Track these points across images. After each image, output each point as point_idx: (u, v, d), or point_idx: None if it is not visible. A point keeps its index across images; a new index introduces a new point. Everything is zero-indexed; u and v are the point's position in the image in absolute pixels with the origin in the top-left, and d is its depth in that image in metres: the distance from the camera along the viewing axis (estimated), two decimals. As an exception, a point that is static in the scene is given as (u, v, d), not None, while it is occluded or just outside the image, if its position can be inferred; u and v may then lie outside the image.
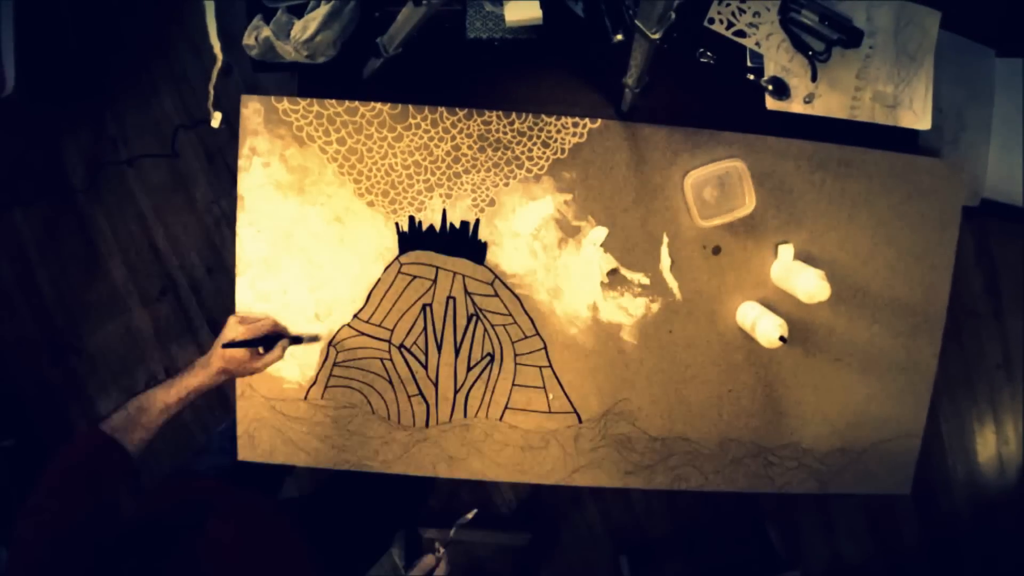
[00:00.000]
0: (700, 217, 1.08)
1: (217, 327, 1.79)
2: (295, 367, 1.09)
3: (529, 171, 1.07)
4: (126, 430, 0.92)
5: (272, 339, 1.03)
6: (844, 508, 1.98)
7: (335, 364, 1.09)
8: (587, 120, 1.07)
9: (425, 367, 1.10)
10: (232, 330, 1.00)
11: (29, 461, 1.84)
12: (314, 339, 1.06)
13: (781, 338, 1.01)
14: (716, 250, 1.11)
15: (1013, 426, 2.00)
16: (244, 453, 1.11)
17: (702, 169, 1.08)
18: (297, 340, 1.06)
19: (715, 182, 1.08)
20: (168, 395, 0.96)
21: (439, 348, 1.09)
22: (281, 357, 1.05)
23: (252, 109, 1.04)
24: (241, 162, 1.05)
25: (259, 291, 1.08)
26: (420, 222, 1.07)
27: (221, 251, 1.77)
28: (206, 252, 1.79)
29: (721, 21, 1.09)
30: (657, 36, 0.80)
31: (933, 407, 1.25)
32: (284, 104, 1.04)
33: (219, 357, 0.99)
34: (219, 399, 1.82)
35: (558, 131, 1.07)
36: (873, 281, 1.15)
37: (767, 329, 1.03)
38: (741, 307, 1.11)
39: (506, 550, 1.83)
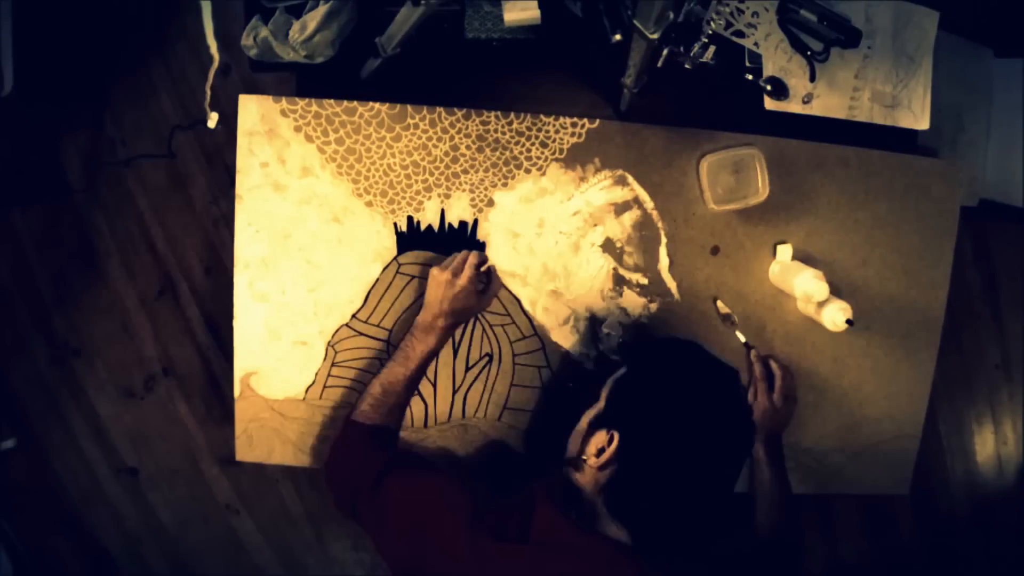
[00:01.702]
0: (713, 201, 1.08)
1: (216, 327, 1.80)
2: (294, 368, 1.09)
3: (528, 171, 1.07)
4: (380, 413, 0.98)
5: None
6: (843, 508, 1.98)
7: (333, 364, 1.09)
8: (585, 120, 1.07)
9: (423, 367, 1.10)
10: (442, 288, 0.98)
11: (29, 462, 1.84)
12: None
13: (848, 321, 1.01)
14: (715, 250, 1.12)
15: (1012, 426, 2.00)
16: (242, 453, 1.11)
17: (719, 154, 1.08)
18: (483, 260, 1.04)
19: (730, 168, 1.08)
20: (407, 368, 0.98)
21: (438, 348, 1.09)
22: (501, 285, 1.06)
23: (250, 109, 1.04)
24: (239, 162, 1.05)
25: (257, 291, 1.08)
26: (418, 222, 1.07)
27: (219, 251, 1.77)
28: (205, 252, 1.79)
29: (719, 21, 1.09)
30: (655, 36, 0.80)
31: (931, 407, 1.25)
32: (282, 104, 1.04)
33: (444, 315, 0.98)
34: (218, 399, 1.82)
35: (556, 131, 1.07)
36: (871, 281, 1.15)
37: (832, 314, 1.02)
38: (799, 278, 1.06)
39: None
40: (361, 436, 0.97)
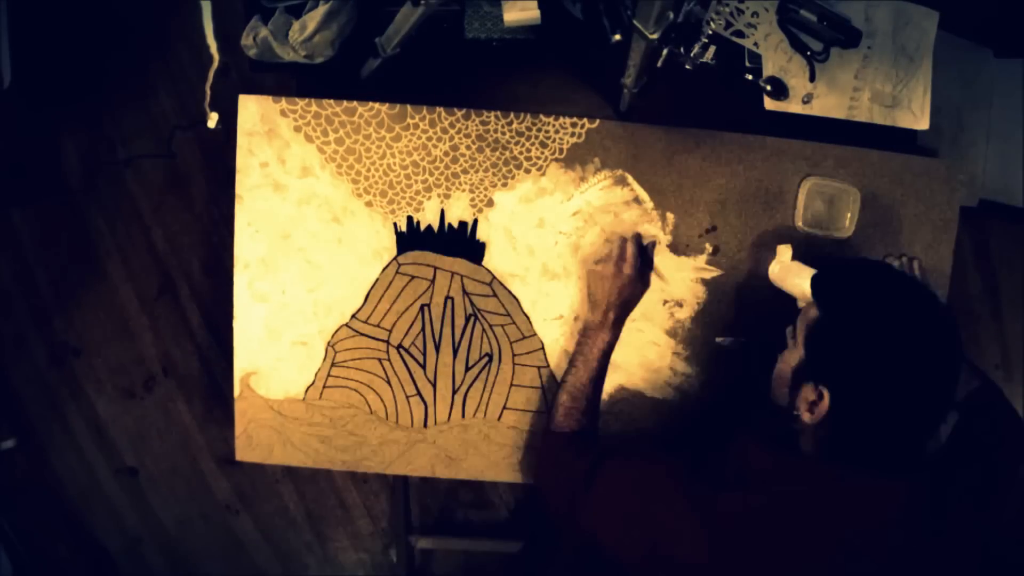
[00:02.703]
0: (802, 221, 1.10)
1: (216, 327, 1.80)
2: (294, 368, 1.09)
3: (528, 171, 1.07)
4: (574, 419, 0.98)
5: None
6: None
7: (333, 364, 1.09)
8: (585, 120, 1.07)
9: (423, 367, 1.10)
10: (609, 280, 0.99)
11: (29, 462, 1.84)
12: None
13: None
14: (715, 251, 1.11)
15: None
16: (242, 454, 1.11)
17: (822, 180, 1.10)
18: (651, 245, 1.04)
19: (827, 197, 1.10)
20: (589, 369, 0.99)
21: (437, 348, 1.09)
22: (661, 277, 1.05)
23: (250, 109, 1.05)
24: (239, 162, 1.05)
25: (257, 291, 1.08)
26: (418, 222, 1.07)
27: (219, 251, 1.77)
28: (204, 252, 1.79)
29: (719, 21, 1.08)
30: (655, 36, 0.80)
31: (931, 407, 1.25)
32: (282, 104, 1.04)
33: (614, 307, 0.99)
34: (218, 399, 1.82)
35: (556, 131, 1.07)
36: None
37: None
38: (799, 277, 1.04)
39: (498, 557, 1.83)
40: (561, 444, 0.98)
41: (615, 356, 1.10)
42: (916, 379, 0.73)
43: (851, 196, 1.10)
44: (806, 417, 0.76)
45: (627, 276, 0.98)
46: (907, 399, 0.73)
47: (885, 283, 0.80)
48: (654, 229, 1.10)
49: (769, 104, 1.11)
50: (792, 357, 0.82)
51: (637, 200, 1.09)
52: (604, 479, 0.87)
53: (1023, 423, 0.93)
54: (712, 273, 1.11)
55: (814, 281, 0.86)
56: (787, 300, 1.01)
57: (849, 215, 1.10)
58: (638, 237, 1.03)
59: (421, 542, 1.81)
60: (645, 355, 1.12)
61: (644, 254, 1.03)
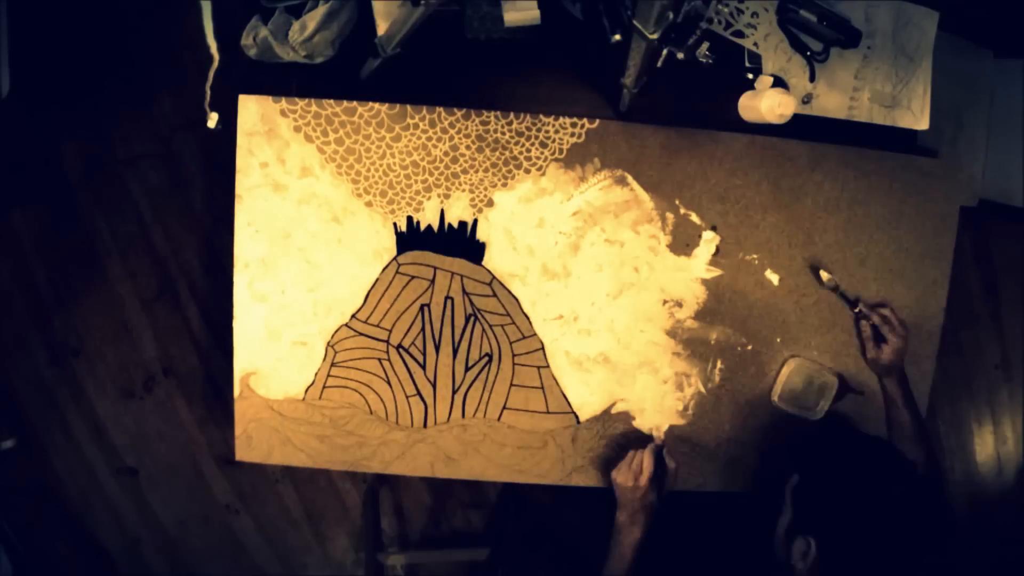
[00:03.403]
0: (777, 396, 1.15)
1: (216, 327, 1.80)
2: (293, 368, 1.09)
3: (527, 171, 1.07)
4: None
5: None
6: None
7: (333, 364, 1.09)
8: (585, 120, 1.07)
9: (423, 367, 1.10)
10: (629, 491, 1.04)
11: (29, 462, 1.84)
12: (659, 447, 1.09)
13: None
14: (716, 251, 1.11)
15: (1011, 426, 2.00)
16: (242, 453, 1.11)
17: (805, 362, 1.15)
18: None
19: (805, 378, 1.14)
20: (624, 564, 1.03)
21: (437, 348, 1.09)
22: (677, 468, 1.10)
23: (250, 109, 1.05)
24: (239, 162, 1.05)
25: (257, 291, 1.08)
26: (418, 222, 1.07)
27: (219, 252, 1.77)
28: (204, 253, 1.79)
29: (719, 21, 1.09)
30: (655, 36, 0.80)
31: (931, 407, 1.25)
32: (282, 104, 1.04)
33: (639, 511, 1.03)
34: (218, 399, 1.82)
35: (556, 131, 1.07)
36: (871, 282, 1.15)
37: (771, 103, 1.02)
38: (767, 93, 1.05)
39: (465, 566, 1.84)
40: None
41: (612, 354, 1.10)
42: (887, 527, 0.84)
43: (830, 386, 1.15)
44: (799, 566, 0.87)
45: (643, 486, 1.03)
46: (881, 544, 0.84)
47: (851, 448, 0.95)
48: (657, 237, 1.10)
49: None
50: (784, 519, 0.93)
51: (637, 200, 1.09)
52: None
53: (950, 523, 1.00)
54: (712, 273, 1.12)
55: (790, 451, 1.06)
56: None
57: (823, 402, 1.15)
58: (657, 449, 1.07)
59: (391, 559, 1.82)
60: (646, 355, 1.12)
61: (661, 464, 1.07)
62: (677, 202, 1.10)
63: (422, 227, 1.07)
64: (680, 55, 0.89)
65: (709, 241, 1.11)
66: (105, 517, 1.87)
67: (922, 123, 1.15)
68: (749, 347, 1.14)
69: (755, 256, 1.12)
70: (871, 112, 1.14)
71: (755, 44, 1.10)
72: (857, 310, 1.13)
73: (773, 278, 1.13)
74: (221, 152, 1.70)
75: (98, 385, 1.84)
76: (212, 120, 1.16)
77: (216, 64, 1.15)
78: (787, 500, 0.94)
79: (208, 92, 1.15)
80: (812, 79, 1.12)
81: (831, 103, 1.13)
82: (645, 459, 1.04)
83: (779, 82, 1.09)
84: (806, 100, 1.12)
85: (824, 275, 1.12)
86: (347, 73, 1.06)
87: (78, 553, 1.88)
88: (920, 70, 1.14)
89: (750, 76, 1.10)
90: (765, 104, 1.02)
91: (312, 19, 0.98)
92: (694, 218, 1.11)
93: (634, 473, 1.04)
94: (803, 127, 1.12)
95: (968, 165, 1.30)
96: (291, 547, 1.92)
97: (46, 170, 1.77)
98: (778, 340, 1.14)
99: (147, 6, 1.73)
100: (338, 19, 1.00)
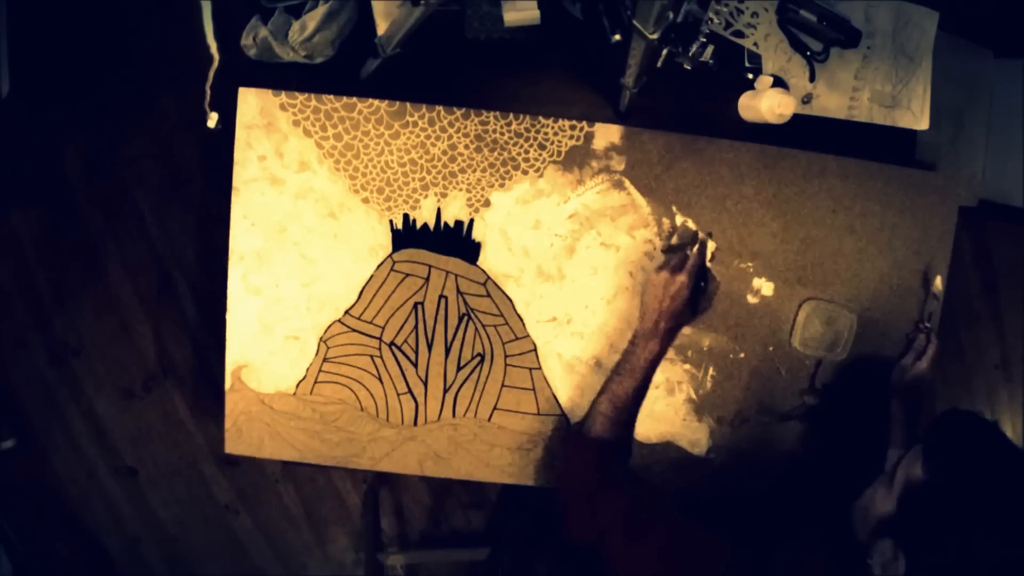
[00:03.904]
0: (799, 342, 1.12)
1: (215, 327, 1.80)
2: (285, 362, 1.09)
3: (525, 172, 1.07)
4: (611, 430, 0.97)
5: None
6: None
7: (325, 360, 1.09)
8: (584, 123, 1.07)
9: (415, 365, 1.09)
10: (660, 288, 0.98)
11: (29, 462, 1.84)
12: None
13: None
14: (712, 258, 1.10)
15: (1011, 426, 2.00)
16: (231, 446, 1.11)
17: (820, 303, 1.13)
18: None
19: (824, 318, 1.13)
20: (635, 379, 0.97)
21: (430, 347, 1.09)
22: (718, 285, 1.04)
23: (249, 102, 1.05)
24: (236, 155, 1.05)
25: (251, 284, 1.08)
26: (414, 220, 1.07)
27: (219, 251, 1.76)
28: (204, 252, 1.79)
29: (719, 21, 1.09)
30: (655, 36, 0.80)
31: (931, 408, 1.25)
32: (281, 98, 1.04)
33: (664, 316, 0.98)
34: (217, 399, 1.82)
35: (555, 133, 1.07)
36: (867, 291, 1.14)
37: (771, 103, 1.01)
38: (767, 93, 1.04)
39: (465, 566, 1.85)
40: (594, 454, 0.97)
41: (604, 358, 1.10)
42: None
43: (850, 321, 1.12)
44: (877, 572, 0.73)
45: (678, 283, 0.97)
46: None
47: (1007, 468, 0.71)
48: (659, 238, 1.10)
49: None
50: (883, 503, 0.76)
51: (634, 204, 1.09)
52: (636, 526, 0.87)
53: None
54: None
55: (927, 438, 0.76)
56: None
57: (846, 339, 1.13)
58: (702, 247, 1.02)
59: (391, 559, 1.82)
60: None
61: (706, 275, 1.02)
62: (674, 208, 1.10)
63: (418, 225, 1.07)
64: (687, 66, 0.89)
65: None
66: (105, 517, 1.88)
67: (922, 123, 1.15)
68: (742, 355, 1.13)
69: (750, 264, 1.12)
70: (871, 112, 1.14)
71: (755, 44, 1.10)
72: (926, 325, 1.12)
73: (768, 287, 1.12)
74: (221, 152, 1.72)
75: (98, 385, 1.85)
76: (212, 120, 1.16)
77: (216, 64, 1.15)
78: (894, 488, 0.75)
79: (208, 92, 1.15)
80: (812, 79, 1.11)
81: (831, 103, 1.13)
82: (694, 251, 0.98)
83: (779, 82, 1.09)
84: (806, 100, 1.12)
85: (937, 284, 1.11)
86: (347, 73, 1.06)
87: (78, 553, 1.88)
88: (920, 70, 1.14)
89: (750, 76, 1.10)
90: (765, 104, 1.02)
91: (312, 19, 0.98)
92: (690, 224, 1.10)
93: (672, 268, 0.98)
94: (803, 127, 1.11)
95: (967, 165, 1.29)
96: (291, 547, 1.92)
97: (46, 170, 1.78)
98: (770, 349, 1.13)
99: (147, 6, 1.74)
100: (338, 19, 1.00)
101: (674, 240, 1.09)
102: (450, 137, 1.06)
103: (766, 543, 0.83)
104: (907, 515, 0.72)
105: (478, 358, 1.10)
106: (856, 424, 1.14)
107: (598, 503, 0.90)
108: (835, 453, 1.14)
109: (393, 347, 1.09)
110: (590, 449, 0.98)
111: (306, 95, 1.04)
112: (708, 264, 1.05)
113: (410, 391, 1.10)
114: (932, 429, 0.76)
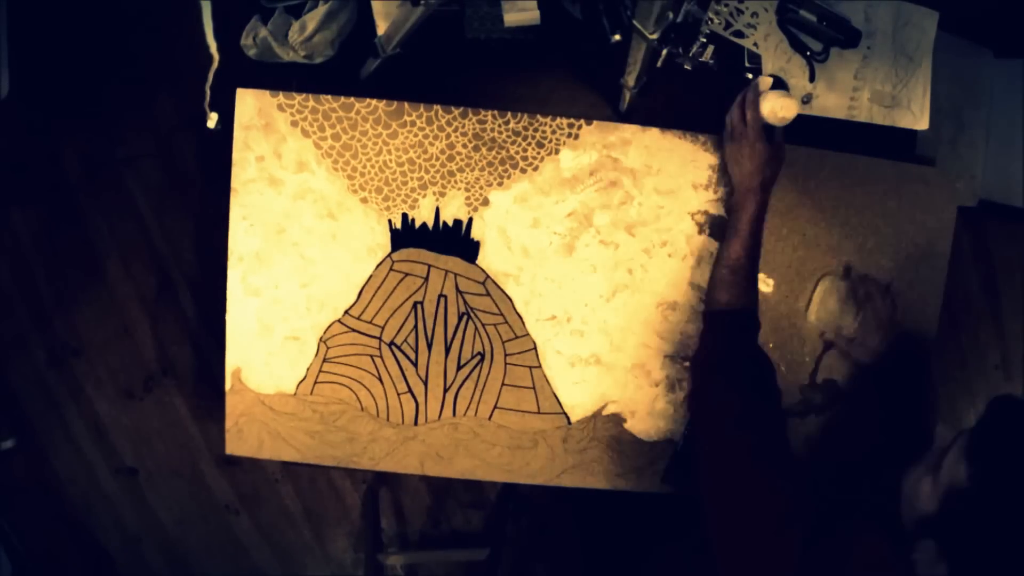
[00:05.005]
0: (815, 316, 1.12)
1: (215, 327, 1.80)
2: (285, 363, 1.09)
3: (523, 171, 1.07)
4: (735, 294, 0.96)
5: None
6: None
7: (325, 360, 1.09)
8: (582, 121, 1.07)
9: (415, 365, 1.09)
10: (732, 152, 0.98)
11: (29, 462, 1.84)
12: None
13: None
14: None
15: (1012, 428, 1.99)
16: (232, 447, 1.11)
17: (840, 280, 1.12)
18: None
19: (843, 295, 1.12)
20: (743, 240, 0.96)
21: (429, 346, 1.09)
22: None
23: (247, 103, 1.05)
24: (235, 156, 1.06)
25: (250, 285, 1.08)
26: (413, 219, 1.07)
27: (218, 251, 1.76)
28: (204, 252, 1.79)
29: (719, 21, 1.09)
30: (655, 36, 0.80)
31: (931, 408, 1.24)
32: (279, 98, 1.04)
33: (750, 174, 0.97)
34: (217, 399, 1.82)
35: (553, 131, 1.07)
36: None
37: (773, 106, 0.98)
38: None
39: (465, 566, 1.85)
40: (726, 322, 0.97)
41: (604, 355, 1.10)
42: None
43: (877, 311, 1.13)
44: (920, 570, 0.68)
45: (751, 138, 0.97)
46: None
47: None
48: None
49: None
50: (927, 500, 0.71)
51: (632, 202, 1.09)
52: (734, 436, 0.84)
53: None
54: (707, 277, 1.11)
55: (975, 436, 0.69)
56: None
57: (870, 319, 1.13)
58: (745, 94, 0.98)
59: (391, 559, 1.82)
60: (638, 357, 1.12)
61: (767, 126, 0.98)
62: (672, 206, 1.10)
63: (417, 224, 1.07)
64: (687, 66, 0.89)
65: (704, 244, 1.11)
66: (105, 517, 1.88)
67: (922, 123, 1.15)
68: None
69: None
70: (871, 112, 1.14)
71: (755, 44, 1.10)
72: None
73: (767, 283, 1.12)
74: (221, 152, 1.72)
75: (98, 385, 1.85)
76: (212, 120, 1.16)
77: (216, 64, 1.15)
78: (939, 483, 0.69)
79: (208, 92, 1.15)
80: (812, 79, 1.11)
81: (831, 103, 1.13)
82: (749, 115, 0.96)
83: (779, 82, 1.09)
84: (806, 100, 1.12)
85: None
86: (347, 73, 1.06)
87: (78, 553, 1.88)
88: (920, 70, 1.14)
89: (750, 76, 1.10)
90: (766, 107, 1.01)
91: (312, 19, 0.98)
92: (689, 222, 1.10)
93: (735, 135, 0.98)
94: (802, 127, 1.11)
95: (967, 165, 1.29)
96: (291, 547, 1.92)
97: (46, 170, 1.78)
98: (770, 345, 1.13)
99: (147, 6, 1.74)
100: (338, 19, 1.00)
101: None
102: (448, 136, 1.06)
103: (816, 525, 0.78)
104: (949, 520, 0.68)
105: (478, 357, 1.10)
106: (857, 423, 1.14)
107: (711, 392, 0.92)
108: (843, 446, 1.14)
109: (393, 347, 1.09)
110: (714, 318, 0.98)
111: (303, 95, 1.04)
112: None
113: (410, 391, 1.10)
114: (977, 428, 0.71)
